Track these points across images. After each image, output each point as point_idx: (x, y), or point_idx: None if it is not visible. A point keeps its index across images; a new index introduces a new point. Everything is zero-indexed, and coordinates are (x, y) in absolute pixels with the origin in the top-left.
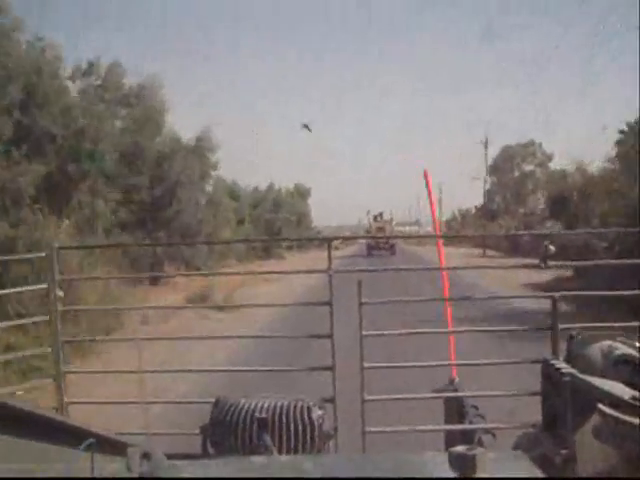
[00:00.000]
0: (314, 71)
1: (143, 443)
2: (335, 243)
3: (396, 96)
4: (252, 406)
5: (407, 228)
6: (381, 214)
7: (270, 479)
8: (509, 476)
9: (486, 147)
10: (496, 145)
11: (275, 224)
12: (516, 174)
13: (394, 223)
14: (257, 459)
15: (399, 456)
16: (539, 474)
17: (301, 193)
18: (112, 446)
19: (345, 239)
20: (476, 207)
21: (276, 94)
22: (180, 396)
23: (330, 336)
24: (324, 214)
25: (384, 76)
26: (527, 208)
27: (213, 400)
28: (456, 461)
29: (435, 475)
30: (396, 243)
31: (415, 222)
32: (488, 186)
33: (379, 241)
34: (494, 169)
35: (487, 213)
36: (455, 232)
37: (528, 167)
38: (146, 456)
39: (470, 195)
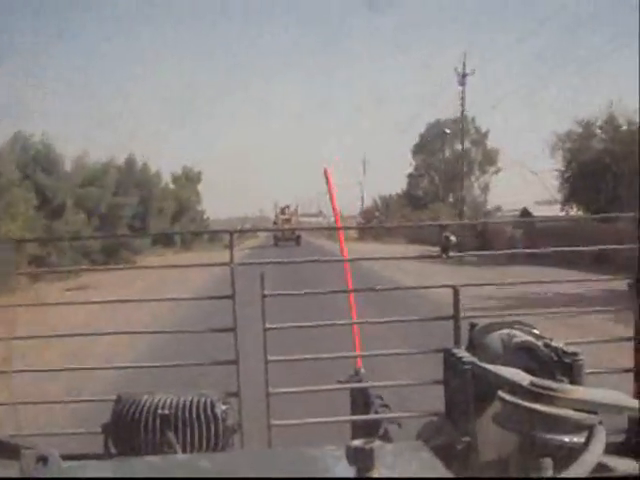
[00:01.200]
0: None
1: (39, 445)
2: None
3: (297, 69)
4: (154, 402)
5: (311, 220)
6: (288, 207)
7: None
8: (407, 467)
9: (464, 80)
10: (420, 124)
11: (122, 212)
12: (447, 154)
13: (298, 214)
14: (154, 459)
15: (298, 451)
16: (438, 464)
17: (189, 178)
18: (6, 449)
19: (244, 232)
20: (398, 194)
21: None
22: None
23: (233, 329)
24: (222, 204)
25: (286, 48)
26: (459, 194)
27: (114, 397)
28: (354, 455)
29: (334, 469)
30: (301, 235)
31: (319, 213)
32: (411, 169)
33: (285, 233)
34: (419, 149)
35: (412, 200)
36: (377, 223)
37: (461, 145)
38: (42, 459)
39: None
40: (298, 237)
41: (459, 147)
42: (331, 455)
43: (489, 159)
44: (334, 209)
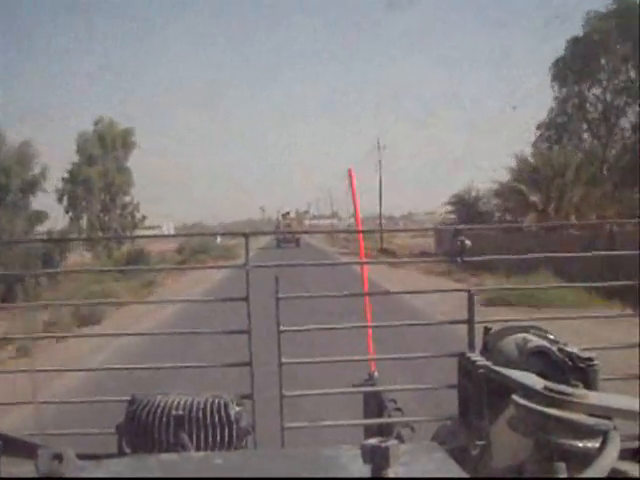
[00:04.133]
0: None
1: (55, 444)
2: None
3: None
4: (168, 403)
5: (327, 222)
6: (288, 212)
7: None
8: (423, 467)
9: None
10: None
11: None
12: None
13: (310, 216)
14: (168, 456)
15: (312, 450)
16: (453, 464)
17: (109, 140)
18: (22, 448)
19: (257, 234)
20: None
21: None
22: None
23: (248, 332)
24: (230, 208)
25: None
26: None
27: (129, 398)
28: (369, 454)
29: (349, 468)
30: (300, 238)
31: (332, 215)
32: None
33: (287, 236)
34: (564, 67)
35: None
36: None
37: None
38: (57, 457)
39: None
40: (297, 240)
41: None
42: (346, 454)
43: None
44: (356, 211)
